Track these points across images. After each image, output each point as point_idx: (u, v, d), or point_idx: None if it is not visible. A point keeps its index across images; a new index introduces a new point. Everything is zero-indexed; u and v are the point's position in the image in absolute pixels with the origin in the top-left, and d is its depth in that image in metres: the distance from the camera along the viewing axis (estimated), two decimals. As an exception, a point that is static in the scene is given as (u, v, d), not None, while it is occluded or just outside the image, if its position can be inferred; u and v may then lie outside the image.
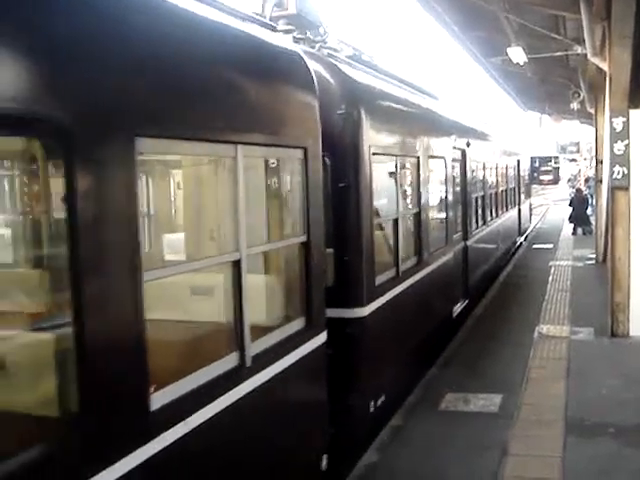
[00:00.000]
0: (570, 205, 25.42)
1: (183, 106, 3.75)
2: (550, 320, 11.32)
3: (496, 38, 16.12)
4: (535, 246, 21.97)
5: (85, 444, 2.92)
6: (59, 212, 2.98)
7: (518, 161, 22.97)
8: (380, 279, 7.23)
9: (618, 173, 9.88)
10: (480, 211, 14.41)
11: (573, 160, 54.74)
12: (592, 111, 20.14)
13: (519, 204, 22.40)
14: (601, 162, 16.66)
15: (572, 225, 24.63)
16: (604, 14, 10.41)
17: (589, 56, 12.19)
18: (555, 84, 22.94)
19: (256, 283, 4.73)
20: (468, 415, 7.33)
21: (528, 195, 27.52)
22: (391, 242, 7.97)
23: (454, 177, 11.58)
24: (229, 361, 4.21)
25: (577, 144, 50.01)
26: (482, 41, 17.53)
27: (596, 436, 6.60)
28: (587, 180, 34.40)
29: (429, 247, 9.33)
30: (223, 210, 4.61)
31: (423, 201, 9.08)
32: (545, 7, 13.04)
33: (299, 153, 5.26)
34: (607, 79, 10.86)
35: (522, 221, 23.21)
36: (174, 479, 3.59)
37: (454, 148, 11.43)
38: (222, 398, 3.99)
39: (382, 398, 7.14)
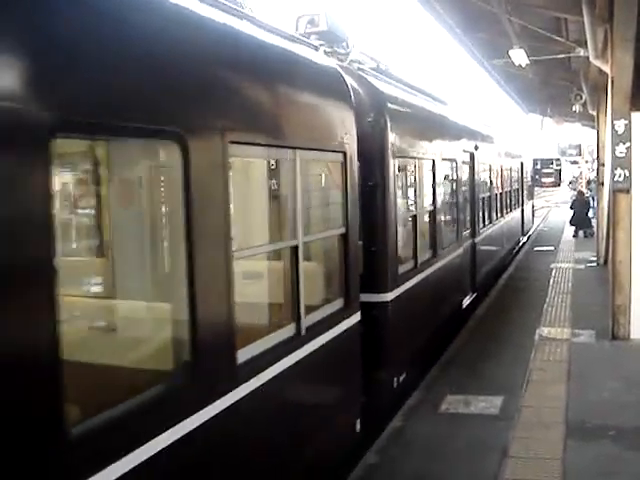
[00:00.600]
0: (571, 208, 25.40)
1: (262, 121, 4.79)
2: (551, 322, 11.32)
3: (498, 40, 16.11)
4: (536, 248, 21.98)
5: (197, 384, 3.86)
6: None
7: (521, 163, 23.75)
8: (402, 269, 8.12)
9: (620, 176, 9.88)
10: (487, 211, 15.08)
11: (575, 162, 54.68)
12: (594, 113, 20.14)
13: (522, 205, 23.11)
14: (603, 164, 16.66)
15: (573, 228, 24.65)
16: (606, 16, 10.41)
17: (591, 58, 12.19)
18: (557, 86, 22.93)
19: (307, 267, 5.45)
20: (468, 417, 7.34)
21: (531, 197, 28.31)
22: (411, 236, 8.78)
23: (464, 178, 12.27)
24: (289, 330, 5.09)
25: (579, 146, 49.95)
26: (484, 43, 17.52)
27: (597, 439, 6.60)
28: (589, 182, 34.39)
29: (442, 243, 10.18)
30: (285, 204, 5.42)
31: (438, 200, 9.91)
32: (547, 9, 13.04)
33: (340, 156, 6.09)
34: (609, 81, 10.85)
35: (525, 222, 24.02)
36: (248, 422, 4.45)
37: (464, 151, 12.20)
38: (283, 360, 4.87)
39: (404, 375, 7.97)
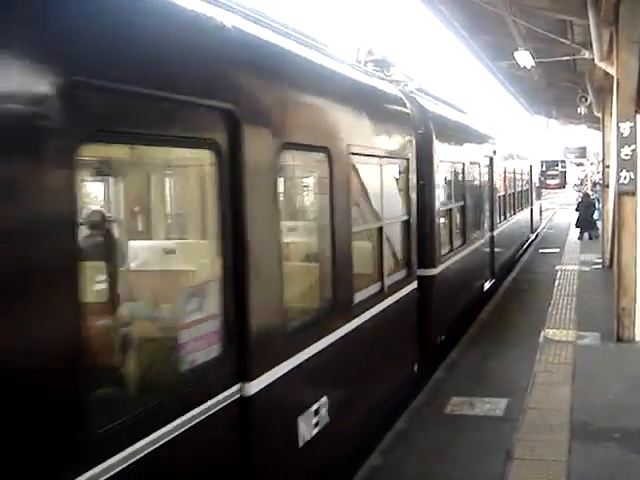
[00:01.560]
0: (577, 210, 25.36)
1: (364, 137, 6.86)
2: (556, 324, 11.32)
3: (503, 42, 16.11)
4: (541, 250, 21.96)
5: (337, 313, 5.92)
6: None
7: (531, 166, 25.57)
8: (443, 251, 10.00)
9: (625, 178, 9.88)
10: (502, 209, 16.91)
11: (580, 164, 54.65)
12: (599, 116, 20.13)
13: (531, 205, 25.07)
14: (608, 167, 16.65)
15: (579, 230, 24.66)
16: (612, 19, 10.41)
17: (596, 61, 12.19)
18: (562, 88, 22.92)
19: (384, 244, 7.40)
20: (473, 419, 7.34)
21: (539, 197, 30.14)
22: (447, 225, 10.63)
23: (484, 179, 14.14)
24: (377, 287, 7.13)
25: (584, 148, 49.91)
26: (489, 45, 17.54)
27: (601, 441, 6.60)
28: (594, 185, 34.37)
29: (469, 233, 12.09)
30: (375, 196, 7.32)
31: (467, 197, 11.85)
32: (553, 11, 13.04)
33: (405, 162, 8.26)
34: (614, 84, 10.84)
35: (534, 221, 26.05)
36: (358, 344, 6.30)
37: (484, 156, 14.06)
38: (375, 306, 6.86)
39: (444, 336, 9.91)
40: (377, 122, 7.29)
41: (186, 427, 3.67)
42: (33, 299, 2.75)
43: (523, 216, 21.99)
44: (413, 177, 8.42)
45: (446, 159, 10.43)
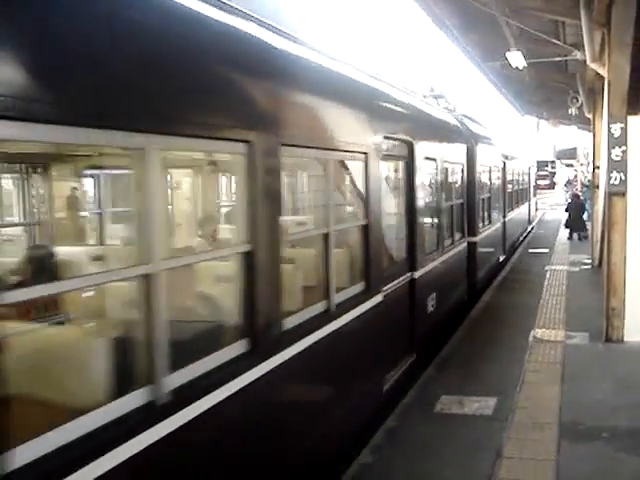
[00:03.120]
0: (567, 210, 25.47)
1: (443, 151, 11.23)
2: (545, 324, 11.36)
3: (495, 42, 16.14)
4: (531, 250, 22.03)
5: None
6: None
7: (529, 167, 30.63)
8: (480, 225, 14.48)
9: (615, 179, 9.92)
10: (510, 201, 21.22)
11: (570, 165, 54.84)
12: (590, 116, 20.19)
13: (529, 200, 29.50)
14: (598, 167, 16.72)
15: (568, 230, 24.89)
16: (604, 20, 10.45)
17: (588, 62, 12.23)
18: (553, 89, 22.98)
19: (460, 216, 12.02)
20: (463, 418, 7.36)
21: (535, 194, 35.04)
22: (482, 209, 14.84)
23: (500, 179, 18.66)
24: (459, 237, 12.22)
25: (574, 149, 50.09)
26: (481, 45, 17.56)
27: (590, 440, 6.64)
28: (583, 186, 34.59)
29: (493, 216, 16.66)
30: (456, 186, 12.28)
31: (492, 191, 16.52)
32: (545, 12, 13.07)
33: (461, 166, 12.76)
34: (606, 85, 10.89)
35: (531, 213, 30.84)
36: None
37: (501, 161, 18.70)
38: (453, 251, 11.60)
39: (479, 285, 14.31)
40: (453, 142, 12.29)
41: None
42: None
43: (524, 209, 26.74)
44: (465, 176, 13.13)
45: (481, 164, 14.64)
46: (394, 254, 8.38)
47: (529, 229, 28.45)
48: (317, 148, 5.71)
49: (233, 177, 7.07)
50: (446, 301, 10.80)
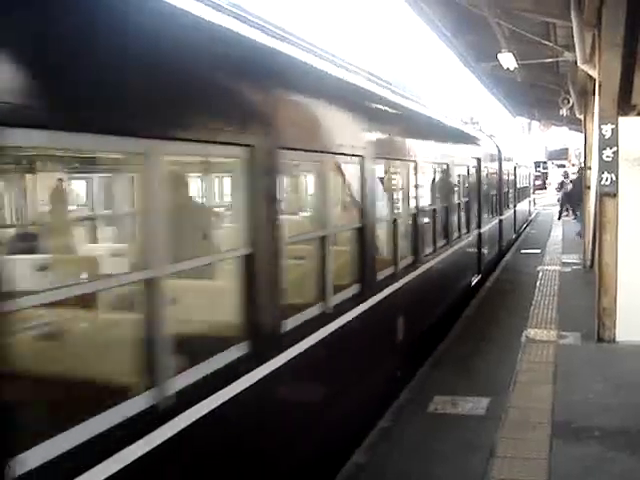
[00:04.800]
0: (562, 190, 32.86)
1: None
2: (537, 324, 11.41)
3: (487, 43, 16.22)
4: (523, 251, 22.11)
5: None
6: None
7: (529, 170, 37.97)
8: (505, 208, 21.48)
9: (606, 180, 9.97)
10: (518, 196, 27.45)
11: (561, 166, 55.03)
12: (581, 117, 20.28)
13: (529, 196, 36.16)
14: (589, 168, 16.79)
15: (560, 209, 32.60)
16: (594, 21, 10.51)
17: (579, 63, 12.28)
18: (545, 90, 23.08)
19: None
20: (456, 417, 7.39)
21: (533, 192, 41.32)
22: (503, 197, 20.94)
23: (512, 179, 25.01)
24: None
25: (566, 150, 50.26)
26: (473, 46, 17.63)
27: (582, 439, 6.67)
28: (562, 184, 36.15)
29: (508, 204, 22.87)
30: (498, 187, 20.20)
31: (509, 188, 23.20)
32: (536, 14, 13.12)
33: (496, 174, 19.64)
34: (596, 86, 10.95)
35: (531, 207, 37.33)
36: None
37: (513, 167, 25.34)
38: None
39: (509, 244, 22.58)
40: (495, 160, 18.96)
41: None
42: None
43: (526, 202, 33.25)
44: (497, 179, 19.80)
45: (507, 169, 22.43)
46: (477, 221, 15.72)
47: (530, 217, 35.70)
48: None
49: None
50: (493, 248, 18.62)
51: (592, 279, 11.89)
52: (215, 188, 6.78)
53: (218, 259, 4.81)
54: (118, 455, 3.22)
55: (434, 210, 10.77)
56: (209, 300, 4.87)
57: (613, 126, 9.85)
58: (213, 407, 4.03)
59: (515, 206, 25.21)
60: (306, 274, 6.13)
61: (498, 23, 14.09)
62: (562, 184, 34.58)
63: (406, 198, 9.31)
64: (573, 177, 32.24)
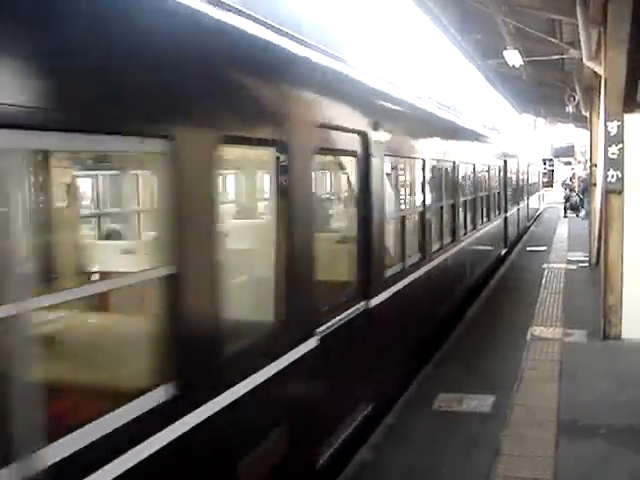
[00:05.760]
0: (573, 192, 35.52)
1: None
2: (543, 322, 11.39)
3: (492, 41, 16.17)
4: (529, 248, 22.07)
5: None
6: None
7: (539, 166, 42.88)
8: (521, 199, 26.40)
9: (612, 177, 9.95)
10: (531, 190, 32.23)
11: (568, 163, 54.83)
12: (587, 115, 20.22)
13: (539, 192, 41.02)
14: (595, 165, 16.75)
15: (564, 209, 35.17)
16: (600, 18, 10.47)
17: (585, 60, 12.23)
18: (550, 87, 23.00)
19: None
20: (461, 415, 7.39)
21: (541, 188, 45.96)
22: (523, 191, 27.54)
23: (526, 176, 29.71)
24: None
25: (572, 147, 50.07)
26: (478, 43, 17.58)
27: (588, 437, 6.67)
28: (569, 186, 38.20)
29: (523, 195, 27.22)
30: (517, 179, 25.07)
31: (524, 182, 27.92)
32: (542, 11, 13.08)
33: (516, 172, 24.50)
34: (602, 83, 10.92)
35: (540, 201, 41.68)
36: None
37: (527, 165, 29.87)
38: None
39: (529, 223, 30.13)
40: (514, 161, 23.71)
41: None
42: None
43: (537, 195, 38.37)
44: (517, 176, 24.46)
45: (521, 171, 26.77)
46: (505, 207, 20.37)
47: (540, 209, 40.15)
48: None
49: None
50: (514, 229, 23.01)
51: (598, 276, 11.87)
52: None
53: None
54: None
55: (482, 197, 15.59)
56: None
57: (619, 123, 9.83)
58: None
59: (528, 198, 30.38)
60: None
61: (504, 20, 14.04)
62: (567, 186, 36.60)
63: (467, 188, 13.72)
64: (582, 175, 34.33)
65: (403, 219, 8.64)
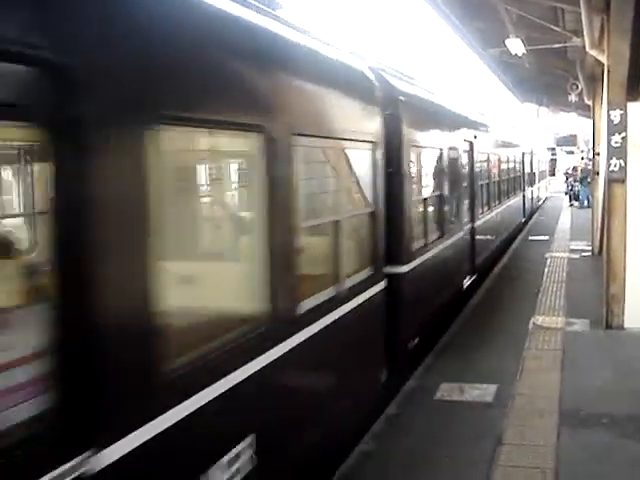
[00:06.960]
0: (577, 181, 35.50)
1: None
2: (545, 311, 11.39)
3: (495, 29, 16.11)
4: (531, 238, 22.05)
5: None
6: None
7: (545, 155, 45.63)
8: (532, 183, 30.21)
9: (615, 166, 9.91)
10: (540, 176, 35.97)
11: (571, 152, 54.70)
12: (590, 103, 20.15)
13: (545, 177, 44.74)
14: (598, 154, 16.70)
15: (569, 197, 36.36)
16: (603, 6, 10.41)
17: (587, 48, 12.18)
18: (553, 76, 22.92)
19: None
20: (463, 405, 7.39)
21: (548, 175, 49.53)
22: (535, 177, 32.67)
23: (537, 164, 33.14)
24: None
25: (574, 136, 49.95)
26: (481, 32, 17.51)
27: (590, 426, 6.67)
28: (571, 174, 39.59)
29: (535, 180, 31.95)
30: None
31: (534, 168, 31.36)
32: (544, -1, 13.03)
33: (530, 162, 29.78)
34: (605, 71, 10.86)
35: (547, 187, 45.31)
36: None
37: (537, 156, 33.19)
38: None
39: (538, 202, 35.07)
40: (528, 151, 28.66)
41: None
42: None
43: (544, 181, 42.54)
44: (530, 164, 29.09)
45: (534, 160, 31.28)
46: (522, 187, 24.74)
47: (547, 194, 43.62)
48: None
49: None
50: (530, 205, 28.20)
51: (600, 266, 11.85)
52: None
53: None
54: None
55: (508, 179, 20.11)
56: None
57: (622, 112, 9.78)
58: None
59: (539, 182, 35.05)
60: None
61: (506, 8, 13.98)
62: (570, 174, 37.47)
63: (497, 172, 17.63)
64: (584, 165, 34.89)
65: (488, 185, 15.53)
